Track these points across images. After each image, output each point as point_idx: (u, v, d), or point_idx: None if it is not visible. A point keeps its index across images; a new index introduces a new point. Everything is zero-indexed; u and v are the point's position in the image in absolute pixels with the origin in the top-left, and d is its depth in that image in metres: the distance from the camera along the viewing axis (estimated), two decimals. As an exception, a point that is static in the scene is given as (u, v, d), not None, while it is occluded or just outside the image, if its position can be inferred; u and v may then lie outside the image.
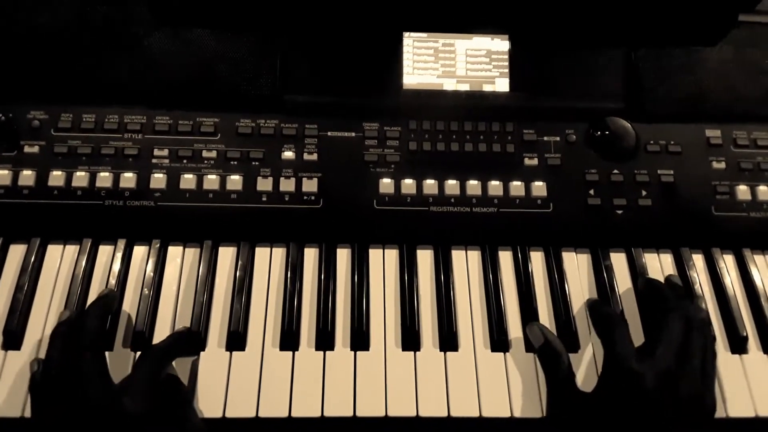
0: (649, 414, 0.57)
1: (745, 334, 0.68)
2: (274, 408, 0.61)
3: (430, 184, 0.72)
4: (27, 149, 0.71)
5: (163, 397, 0.57)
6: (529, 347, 0.66)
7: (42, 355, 0.63)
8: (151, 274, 0.68)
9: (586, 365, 0.66)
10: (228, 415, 0.61)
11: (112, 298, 0.65)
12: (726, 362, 0.67)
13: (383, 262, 0.71)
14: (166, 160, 0.71)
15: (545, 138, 0.75)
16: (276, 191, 0.71)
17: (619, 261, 0.73)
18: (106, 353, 0.63)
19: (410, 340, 0.66)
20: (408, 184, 0.72)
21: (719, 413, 0.63)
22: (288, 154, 0.73)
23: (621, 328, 0.63)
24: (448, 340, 0.66)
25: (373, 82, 0.76)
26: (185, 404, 0.59)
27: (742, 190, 0.74)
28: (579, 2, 0.76)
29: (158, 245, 0.70)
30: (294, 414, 0.61)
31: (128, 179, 0.70)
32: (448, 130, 0.75)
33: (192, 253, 0.70)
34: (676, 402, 0.58)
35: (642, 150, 0.75)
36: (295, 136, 0.73)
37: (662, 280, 0.71)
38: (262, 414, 0.61)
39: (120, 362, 0.63)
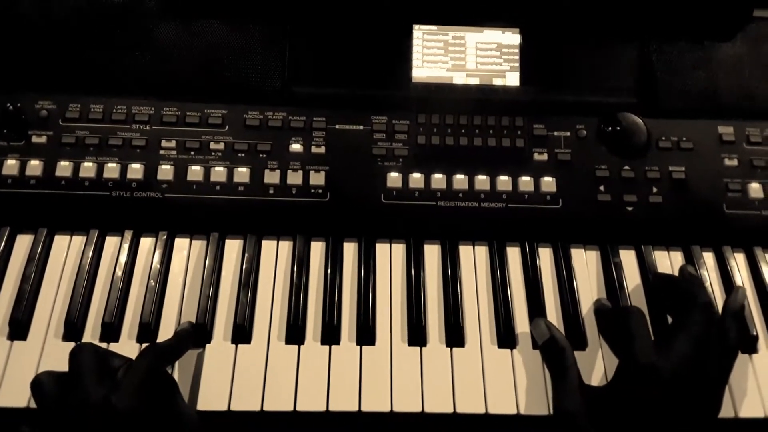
0: (663, 409, 0.56)
1: (755, 333, 0.67)
2: (279, 402, 0.61)
3: (438, 179, 0.72)
4: (35, 139, 0.70)
5: (156, 391, 0.56)
6: (536, 344, 0.66)
7: (47, 345, 0.63)
8: (158, 265, 0.68)
9: (593, 363, 0.65)
10: (233, 408, 0.61)
11: None
12: (736, 362, 0.65)
13: (390, 256, 0.71)
14: (174, 152, 0.71)
15: (555, 133, 0.75)
16: (283, 184, 0.71)
17: (628, 258, 0.72)
18: (112, 345, 0.63)
19: (416, 336, 0.66)
20: (416, 179, 0.72)
21: (729, 413, 0.63)
22: (296, 147, 0.72)
23: (639, 320, 0.62)
24: (455, 336, 0.66)
25: (382, 74, 0.76)
26: (176, 394, 0.58)
27: (755, 188, 0.73)
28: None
29: (165, 237, 0.70)
30: (299, 408, 0.61)
31: (135, 170, 0.70)
32: (457, 124, 0.74)
33: (198, 245, 0.70)
34: (688, 399, 0.57)
35: (653, 146, 0.74)
36: (303, 129, 0.73)
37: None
38: (267, 407, 0.61)
39: (125, 354, 0.62)
